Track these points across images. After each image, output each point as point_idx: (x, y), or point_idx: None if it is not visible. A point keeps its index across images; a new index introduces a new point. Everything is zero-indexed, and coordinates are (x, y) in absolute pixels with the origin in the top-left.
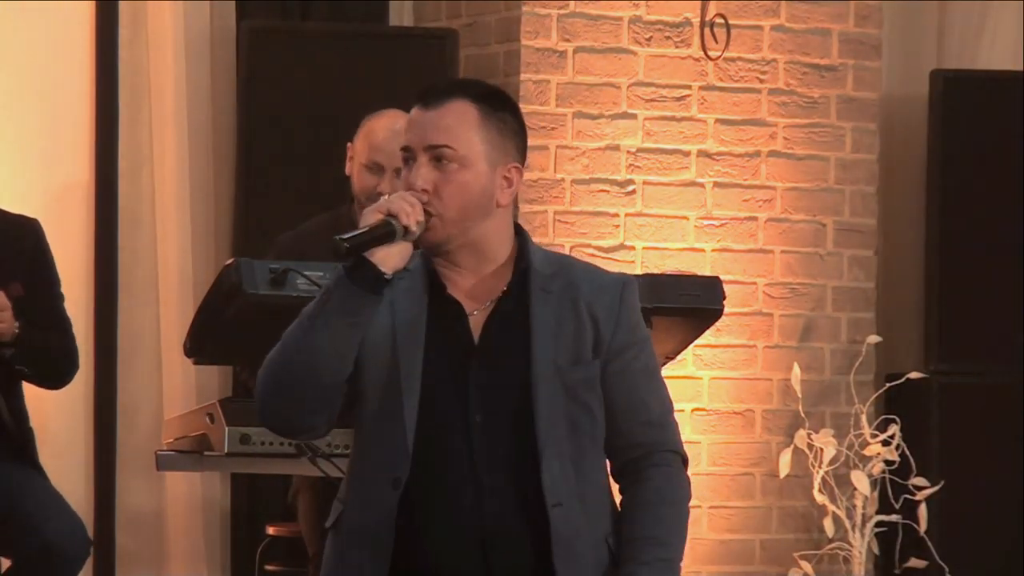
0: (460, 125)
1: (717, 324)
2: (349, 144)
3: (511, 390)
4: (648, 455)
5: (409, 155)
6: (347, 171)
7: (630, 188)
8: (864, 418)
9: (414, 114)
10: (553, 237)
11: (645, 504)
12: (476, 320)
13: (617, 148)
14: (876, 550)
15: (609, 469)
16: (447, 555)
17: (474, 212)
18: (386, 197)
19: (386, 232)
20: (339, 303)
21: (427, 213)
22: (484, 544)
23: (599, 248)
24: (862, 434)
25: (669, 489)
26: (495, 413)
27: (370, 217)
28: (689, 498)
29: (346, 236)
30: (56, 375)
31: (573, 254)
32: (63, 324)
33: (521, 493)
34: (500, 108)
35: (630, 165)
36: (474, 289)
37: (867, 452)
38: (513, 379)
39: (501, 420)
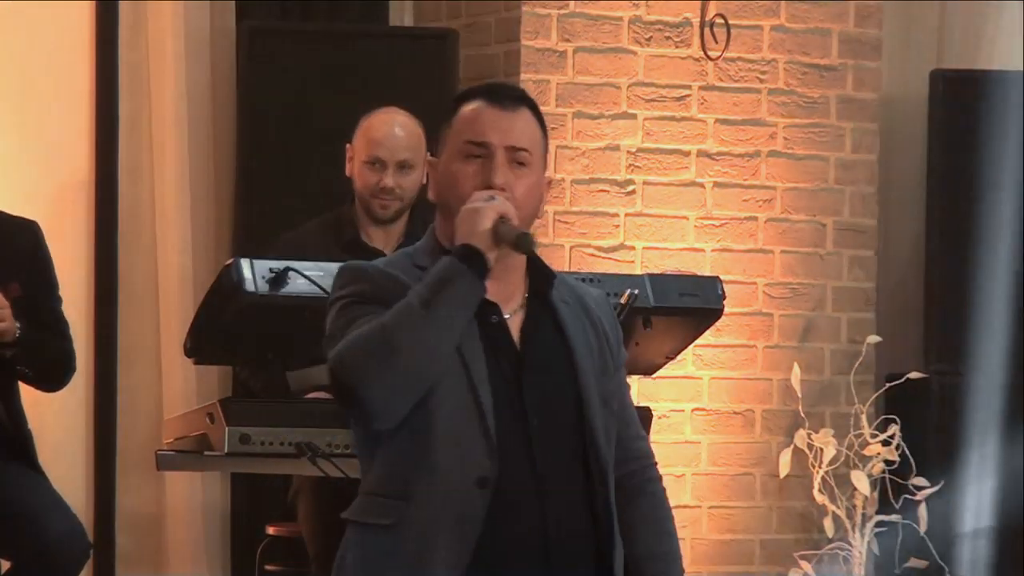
0: (534, 132)
1: (717, 324)
2: (348, 145)
3: (562, 397)
4: (646, 468)
5: (484, 152)
6: (347, 172)
7: (630, 188)
8: (864, 418)
9: (488, 112)
10: (553, 237)
11: (660, 519)
12: (511, 324)
13: (617, 148)
14: (876, 550)
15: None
16: (512, 558)
17: (532, 217)
18: (485, 195)
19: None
20: (464, 295)
21: None
22: (547, 550)
23: (599, 248)
24: (862, 434)
25: (667, 503)
26: (550, 420)
27: (485, 214)
28: None
29: (524, 233)
30: (54, 377)
31: (573, 254)
32: (61, 326)
33: (577, 499)
34: (544, 124)
35: (630, 165)
36: (499, 293)
37: (867, 452)
38: (561, 387)
39: (556, 428)
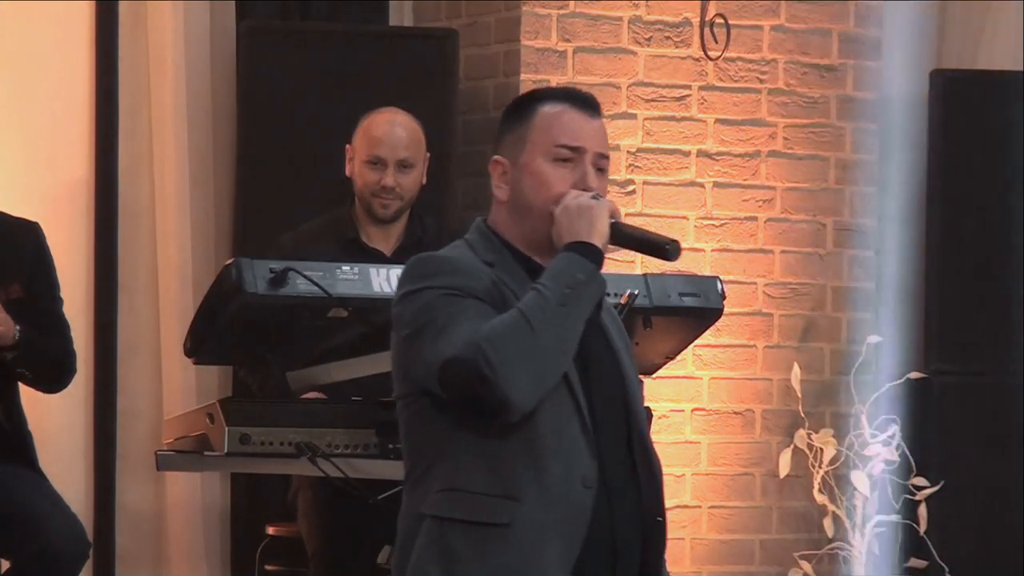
0: (607, 140)
1: (717, 324)
2: (348, 146)
3: (616, 400)
4: None
5: (576, 155)
6: (347, 172)
7: (630, 188)
8: (864, 418)
9: (578, 117)
10: None
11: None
12: None
13: (617, 148)
14: (876, 550)
15: None
16: (590, 561)
17: None
18: (586, 193)
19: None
20: (592, 293)
21: None
22: (615, 550)
23: None
24: (862, 434)
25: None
26: (609, 422)
27: (600, 213)
28: None
29: (670, 240)
30: (54, 379)
31: None
32: (62, 328)
33: (636, 503)
34: None
35: (630, 165)
36: None
37: (867, 452)
38: (614, 390)
39: (613, 429)
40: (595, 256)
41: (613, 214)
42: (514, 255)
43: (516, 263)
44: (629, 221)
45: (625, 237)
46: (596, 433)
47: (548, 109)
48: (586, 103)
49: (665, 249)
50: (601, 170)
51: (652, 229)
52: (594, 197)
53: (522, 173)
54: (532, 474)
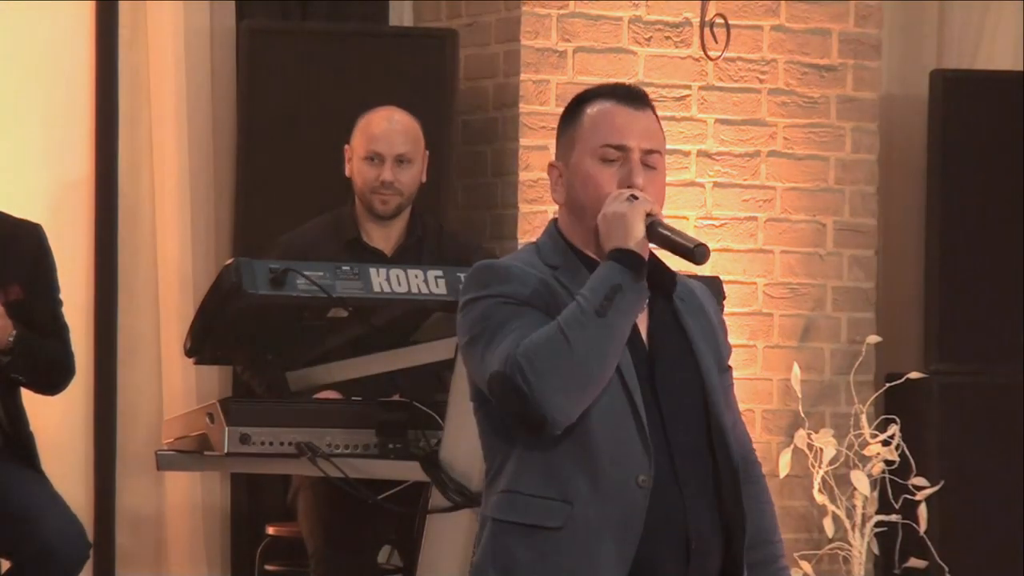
0: (661, 133)
1: None
2: (346, 147)
3: (691, 396)
4: (748, 453)
5: (622, 154)
6: (347, 173)
7: None
8: (864, 418)
9: (622, 113)
10: None
11: (765, 504)
12: (639, 323)
13: None
14: (876, 550)
15: None
16: (664, 557)
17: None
18: (624, 195)
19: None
20: (633, 302)
21: None
22: (688, 549)
23: None
24: (862, 434)
25: (768, 490)
26: (682, 420)
27: (635, 218)
28: None
29: (697, 242)
30: (51, 382)
31: None
32: (61, 331)
33: (709, 497)
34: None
35: None
36: None
37: (867, 452)
38: (689, 386)
39: (688, 427)
40: (634, 262)
41: (650, 213)
42: (579, 257)
43: (581, 265)
44: (667, 221)
45: (658, 237)
46: (663, 429)
47: (593, 109)
48: (632, 97)
49: (692, 252)
50: (650, 166)
51: (686, 231)
52: (631, 197)
53: (574, 175)
54: (585, 477)
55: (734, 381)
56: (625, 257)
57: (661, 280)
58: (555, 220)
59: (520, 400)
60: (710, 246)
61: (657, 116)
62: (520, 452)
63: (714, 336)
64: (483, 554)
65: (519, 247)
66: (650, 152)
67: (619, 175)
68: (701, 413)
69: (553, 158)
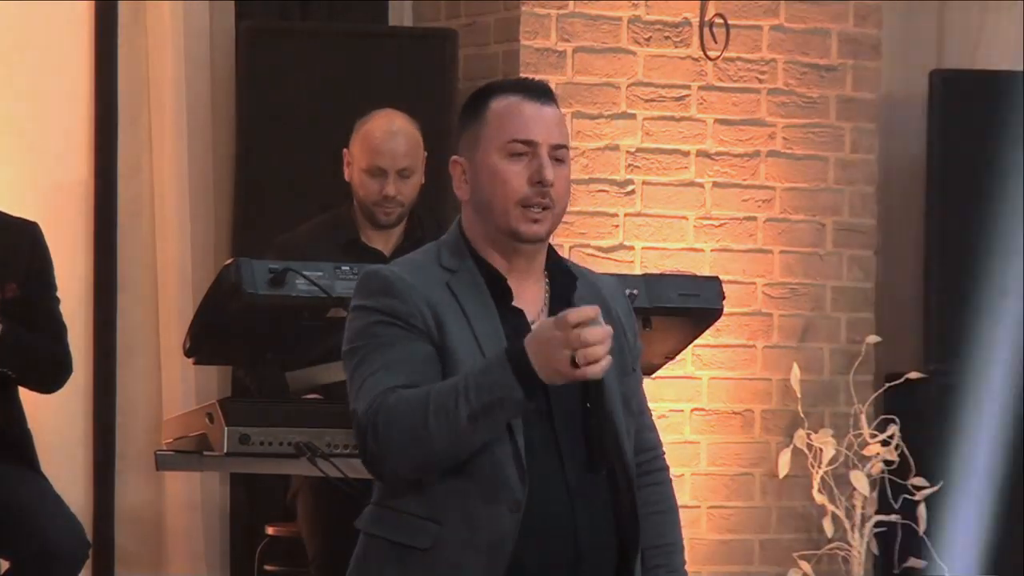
0: (566, 128)
1: (717, 324)
2: (345, 151)
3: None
4: (654, 459)
5: (530, 149)
6: (346, 177)
7: (629, 188)
8: (863, 418)
9: (528, 108)
10: (552, 237)
11: (666, 509)
12: None
13: (616, 148)
14: (875, 550)
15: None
16: (544, 574)
17: (564, 212)
18: (549, 323)
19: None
20: (512, 414)
21: (544, 206)
22: (578, 561)
23: (598, 248)
24: (861, 434)
25: (673, 493)
26: (576, 430)
27: (561, 355)
28: None
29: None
30: (44, 380)
31: (572, 255)
32: (57, 329)
33: (603, 507)
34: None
35: (629, 165)
36: (526, 293)
37: (866, 452)
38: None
39: (582, 440)
40: (533, 389)
41: (574, 348)
42: (476, 262)
43: (476, 272)
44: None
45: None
46: (555, 440)
47: (498, 103)
48: (538, 92)
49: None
50: (559, 160)
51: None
52: (557, 321)
53: (479, 171)
54: (456, 499)
55: (642, 387)
56: (531, 379)
57: (561, 282)
58: (459, 219)
59: (364, 452)
60: (710, 246)
61: (560, 110)
62: None
63: (617, 340)
64: (351, 570)
65: None
66: (558, 147)
67: (529, 170)
68: (607, 427)
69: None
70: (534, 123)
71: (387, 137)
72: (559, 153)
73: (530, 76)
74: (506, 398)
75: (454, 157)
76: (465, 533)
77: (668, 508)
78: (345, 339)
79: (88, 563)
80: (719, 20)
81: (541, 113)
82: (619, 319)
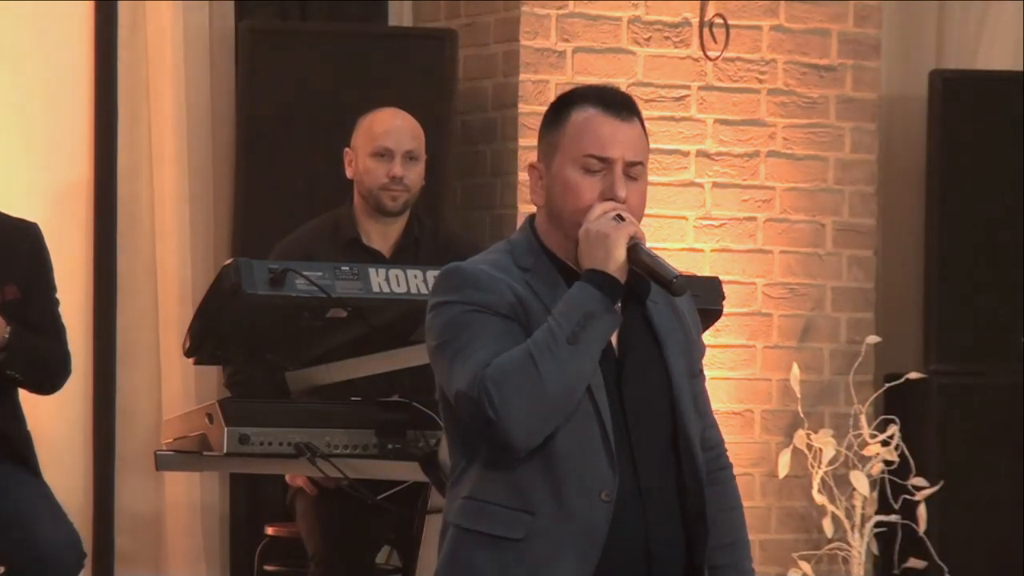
0: (645, 144)
1: (716, 324)
2: (347, 149)
3: (659, 405)
4: (718, 457)
5: (605, 165)
6: (348, 175)
7: None
8: (863, 418)
9: (607, 124)
10: None
11: (731, 507)
12: None
13: None
14: (875, 550)
15: None
16: (623, 569)
17: (641, 221)
18: (610, 212)
19: None
20: (606, 327)
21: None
22: (650, 559)
23: None
24: (861, 434)
25: (737, 491)
26: (648, 429)
27: (618, 241)
28: None
29: (676, 274)
30: (47, 381)
31: None
32: (57, 330)
33: (673, 506)
34: (646, 130)
35: None
36: None
37: (866, 452)
38: (658, 394)
39: (654, 435)
40: (610, 287)
41: (634, 236)
42: (552, 260)
43: (553, 269)
44: (649, 247)
45: (639, 263)
46: (628, 439)
47: (578, 115)
48: (618, 106)
49: (671, 283)
50: (633, 178)
51: (667, 260)
52: (618, 217)
53: (554, 181)
54: (549, 489)
55: (706, 386)
56: (602, 281)
57: (635, 282)
58: (532, 218)
59: (485, 424)
60: (710, 246)
61: (643, 123)
62: (484, 459)
63: (687, 338)
64: (444, 562)
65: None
66: (633, 164)
67: (601, 186)
68: (668, 421)
69: (535, 158)
70: (610, 140)
71: (392, 122)
72: (634, 171)
73: (529, 76)
74: (594, 309)
75: (531, 163)
76: (559, 523)
77: (733, 506)
78: (432, 336)
79: (88, 563)
80: (719, 20)
81: (619, 129)
82: (685, 318)
